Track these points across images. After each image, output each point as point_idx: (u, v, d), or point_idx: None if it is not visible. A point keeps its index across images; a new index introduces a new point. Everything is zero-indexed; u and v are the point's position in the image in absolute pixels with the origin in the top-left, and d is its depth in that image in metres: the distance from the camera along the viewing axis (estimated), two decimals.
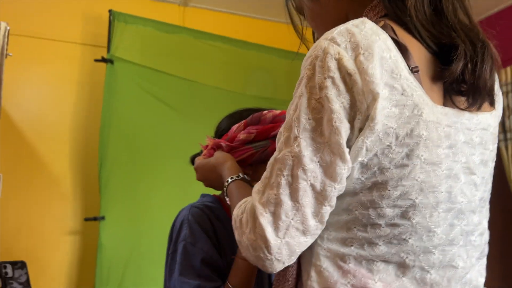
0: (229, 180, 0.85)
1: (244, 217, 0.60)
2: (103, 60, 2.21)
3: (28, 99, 2.38)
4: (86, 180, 2.39)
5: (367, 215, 0.57)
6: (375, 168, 0.56)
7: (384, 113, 0.54)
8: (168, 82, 2.34)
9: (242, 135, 0.97)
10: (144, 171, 2.21)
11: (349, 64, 0.54)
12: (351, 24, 0.57)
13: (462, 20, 0.64)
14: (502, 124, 2.78)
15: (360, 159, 0.55)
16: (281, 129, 0.59)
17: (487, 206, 0.70)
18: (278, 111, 1.02)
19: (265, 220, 0.56)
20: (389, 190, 0.56)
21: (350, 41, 0.55)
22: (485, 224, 0.69)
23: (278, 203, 0.55)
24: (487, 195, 0.69)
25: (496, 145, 0.70)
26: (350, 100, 0.54)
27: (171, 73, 2.35)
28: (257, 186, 0.60)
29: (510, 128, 2.72)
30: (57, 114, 2.42)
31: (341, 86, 0.54)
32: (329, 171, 0.55)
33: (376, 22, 0.59)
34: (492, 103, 0.65)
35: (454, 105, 0.60)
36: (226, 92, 2.54)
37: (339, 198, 0.57)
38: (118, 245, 2.08)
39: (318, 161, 0.55)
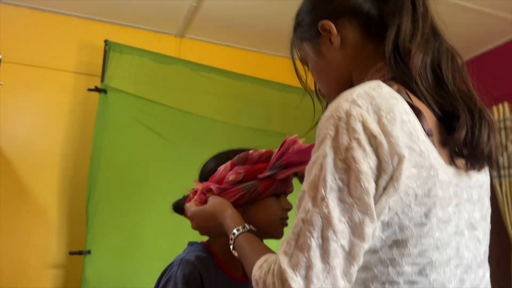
0: (236, 232, 0.81)
1: (270, 279, 0.58)
2: (97, 89, 2.19)
3: (18, 127, 2.34)
4: (73, 212, 2.32)
5: (386, 272, 0.58)
6: (396, 227, 0.58)
7: (407, 173, 0.57)
8: (162, 113, 2.32)
9: (231, 176, 0.96)
10: (134, 204, 2.15)
11: (373, 126, 0.56)
12: (368, 87, 0.60)
13: (461, 89, 0.69)
14: (496, 161, 2.77)
15: (382, 217, 0.57)
16: (305, 189, 0.59)
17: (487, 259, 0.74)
18: (263, 150, 1.01)
19: (296, 284, 0.54)
20: (409, 248, 0.58)
21: (371, 103, 0.58)
22: (487, 276, 0.73)
23: (309, 266, 0.54)
24: (488, 248, 0.74)
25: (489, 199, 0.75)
26: (376, 161, 0.56)
27: (166, 104, 2.33)
28: (283, 247, 0.59)
29: (503, 165, 2.71)
30: (47, 143, 2.38)
31: (367, 148, 0.56)
32: (357, 231, 0.55)
33: (390, 86, 0.62)
34: (490, 165, 0.70)
35: (456, 165, 0.65)
36: (220, 124, 2.52)
37: None
38: (103, 281, 1.99)
39: (347, 222, 0.55)
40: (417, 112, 0.62)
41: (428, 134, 0.61)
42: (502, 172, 2.72)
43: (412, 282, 0.58)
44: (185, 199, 1.03)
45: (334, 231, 0.54)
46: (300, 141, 0.98)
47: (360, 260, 0.56)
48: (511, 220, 2.65)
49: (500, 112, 2.77)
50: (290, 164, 0.96)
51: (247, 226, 0.83)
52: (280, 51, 3.09)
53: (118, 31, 2.66)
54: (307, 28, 0.78)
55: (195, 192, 1.01)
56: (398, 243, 0.58)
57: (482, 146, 0.65)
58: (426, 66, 0.66)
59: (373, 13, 0.72)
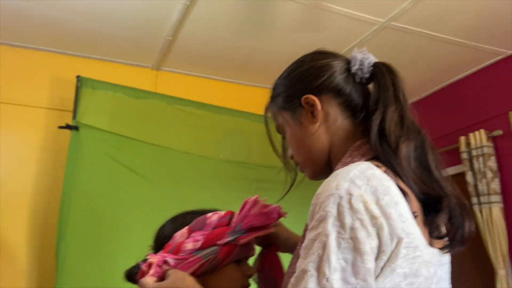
0: None
1: None
2: (68, 127, 2.12)
3: None
4: (44, 254, 2.21)
5: None
6: None
7: (401, 255, 0.59)
8: (137, 149, 2.26)
9: (188, 244, 0.88)
10: (107, 244, 2.05)
11: (374, 207, 0.59)
12: (361, 168, 0.63)
13: (443, 176, 0.72)
14: (475, 187, 2.79)
15: None
16: (306, 267, 0.58)
17: None
18: (223, 212, 0.95)
19: None
20: None
21: (368, 184, 0.61)
22: None
23: None
24: None
25: None
26: (378, 243, 0.58)
27: (141, 139, 2.27)
28: None
29: (482, 192, 2.72)
30: (17, 181, 2.29)
31: (370, 229, 0.58)
32: None
33: (377, 166, 0.66)
34: (464, 247, 0.71)
35: (434, 245, 0.67)
36: (198, 158, 2.47)
37: None
38: None
39: None
40: (404, 194, 0.64)
41: (414, 215, 0.64)
42: (482, 199, 2.72)
43: None
44: (139, 267, 0.93)
45: None
46: (262, 202, 0.92)
47: None
48: (492, 247, 2.63)
49: (477, 139, 2.80)
50: (252, 228, 0.91)
51: None
52: (258, 81, 3.09)
53: (92, 65, 2.62)
54: (289, 99, 0.82)
55: (148, 264, 0.91)
56: None
57: (463, 229, 0.68)
58: (410, 152, 0.70)
59: (354, 96, 0.78)
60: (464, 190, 3.00)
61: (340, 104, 0.78)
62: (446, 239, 0.69)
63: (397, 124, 0.71)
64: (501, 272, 2.59)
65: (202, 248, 0.88)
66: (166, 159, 2.32)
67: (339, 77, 0.79)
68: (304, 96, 0.79)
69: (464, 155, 2.88)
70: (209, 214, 0.93)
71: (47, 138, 2.38)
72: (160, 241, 0.98)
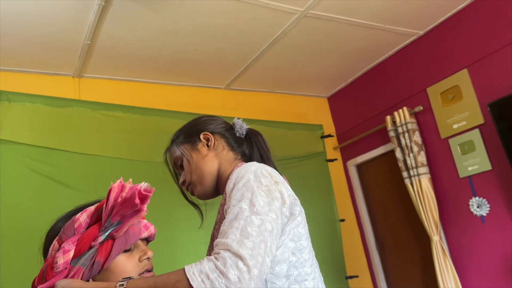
0: (123, 283, 0.80)
1: (222, 260, 0.80)
2: None
3: None
4: None
5: None
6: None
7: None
8: (64, 160, 2.14)
9: (59, 259, 0.82)
10: (41, 262, 1.92)
11: (275, 176, 1.00)
12: (258, 163, 1.04)
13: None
14: (404, 162, 2.95)
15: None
16: (241, 205, 0.89)
17: None
18: (92, 208, 0.90)
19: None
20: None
21: (268, 168, 1.01)
22: None
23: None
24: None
25: None
26: (280, 195, 0.96)
27: (67, 149, 2.15)
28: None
29: (411, 165, 2.89)
30: None
31: (276, 187, 0.96)
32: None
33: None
34: None
35: None
36: (131, 162, 2.39)
37: None
38: None
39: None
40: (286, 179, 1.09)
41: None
42: (411, 172, 2.88)
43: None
44: None
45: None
46: (128, 184, 0.87)
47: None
48: (425, 216, 2.80)
49: (401, 117, 2.96)
50: (124, 218, 0.86)
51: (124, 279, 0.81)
52: (186, 80, 3.06)
53: (6, 78, 2.44)
54: (190, 136, 1.16)
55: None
56: None
57: None
58: (272, 163, 1.16)
59: (233, 140, 1.18)
60: (395, 166, 3.17)
61: (225, 142, 1.16)
62: None
63: (266, 155, 1.18)
64: (435, 238, 2.76)
65: (76, 256, 0.83)
66: (96, 167, 2.22)
67: (225, 128, 1.19)
68: (203, 132, 1.15)
69: (392, 133, 3.04)
70: (77, 216, 0.88)
71: None
72: (44, 252, 0.94)
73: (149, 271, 0.93)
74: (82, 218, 0.87)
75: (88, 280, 0.85)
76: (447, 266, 2.70)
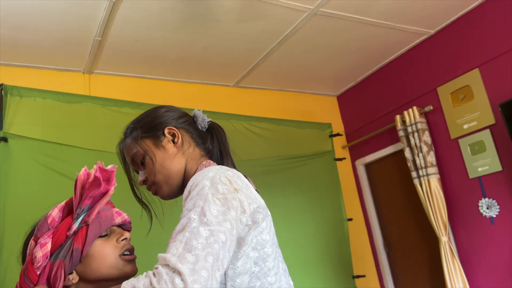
0: None
1: (160, 276, 0.74)
2: None
3: None
4: None
5: None
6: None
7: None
8: (74, 155, 2.16)
9: (37, 253, 0.83)
10: None
11: (235, 183, 0.91)
12: (218, 166, 0.95)
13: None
14: (413, 162, 2.93)
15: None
16: (190, 215, 0.81)
17: None
18: (63, 203, 0.91)
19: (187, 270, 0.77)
20: None
21: (228, 172, 0.91)
22: None
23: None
24: None
25: None
26: (239, 203, 0.88)
27: (77, 145, 2.17)
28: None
29: (420, 165, 2.86)
30: None
31: (234, 194, 0.88)
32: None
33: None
34: None
35: None
36: None
37: None
38: None
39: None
40: (249, 180, 1.03)
41: (257, 191, 1.00)
42: (420, 172, 2.86)
43: None
44: None
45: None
46: (94, 170, 0.89)
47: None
48: (434, 216, 2.78)
49: (411, 116, 2.94)
50: (94, 201, 0.88)
51: None
52: (195, 78, 3.06)
53: (18, 74, 2.47)
54: (151, 129, 1.05)
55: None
56: None
57: None
58: (231, 162, 1.12)
59: (197, 135, 1.09)
60: (404, 166, 3.15)
61: (190, 137, 1.08)
62: None
63: (225, 153, 1.12)
64: (443, 239, 2.74)
65: (54, 249, 0.84)
66: (105, 163, 2.23)
67: (188, 122, 1.10)
68: (167, 127, 1.05)
69: (401, 133, 3.02)
70: (48, 212, 0.89)
71: None
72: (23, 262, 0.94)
73: (129, 251, 0.93)
74: (54, 212, 0.89)
75: (71, 272, 0.86)
76: (455, 267, 2.68)
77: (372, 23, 2.63)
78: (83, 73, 2.70)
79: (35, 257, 0.83)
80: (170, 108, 1.11)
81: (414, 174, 2.92)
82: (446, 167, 2.87)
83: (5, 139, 2.00)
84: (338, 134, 3.50)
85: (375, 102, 3.45)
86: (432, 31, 2.89)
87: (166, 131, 1.04)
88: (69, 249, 0.83)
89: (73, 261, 0.84)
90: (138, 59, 2.67)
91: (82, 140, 2.20)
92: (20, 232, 1.90)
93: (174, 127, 1.05)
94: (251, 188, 0.94)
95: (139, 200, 1.10)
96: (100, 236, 0.90)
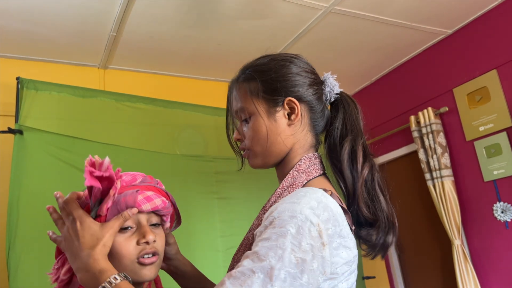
0: (118, 278, 0.72)
1: None
2: (10, 131, 2.01)
3: None
4: None
5: None
6: None
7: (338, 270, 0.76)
8: (89, 149, 2.17)
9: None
10: None
11: (325, 236, 0.71)
12: (317, 197, 0.75)
13: (384, 195, 0.87)
14: (427, 163, 2.89)
15: None
16: (256, 270, 0.66)
17: None
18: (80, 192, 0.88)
19: None
20: None
21: (323, 214, 0.72)
22: None
23: None
24: None
25: None
26: (321, 263, 0.71)
27: (91, 139, 2.18)
28: None
29: (434, 167, 2.82)
30: None
31: (317, 253, 0.70)
32: None
33: (324, 188, 0.79)
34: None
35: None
36: (153, 154, 2.41)
37: None
38: None
39: None
40: (345, 212, 0.80)
41: (352, 229, 0.80)
42: (434, 174, 2.82)
43: None
44: None
45: None
46: (97, 158, 0.84)
47: None
48: (447, 219, 2.74)
49: (425, 117, 2.90)
50: (103, 191, 0.82)
51: (121, 275, 0.74)
52: (209, 74, 3.07)
53: (34, 68, 2.51)
54: (271, 93, 0.87)
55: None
56: None
57: (386, 245, 0.86)
58: (368, 175, 0.86)
59: (320, 115, 0.90)
60: (418, 167, 3.11)
61: (309, 118, 0.89)
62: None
63: (363, 152, 0.86)
64: (456, 242, 2.70)
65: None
66: (118, 158, 2.25)
67: (317, 95, 0.89)
68: (289, 98, 0.86)
69: (415, 134, 2.98)
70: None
71: None
72: None
73: (151, 254, 0.84)
74: (83, 194, 0.87)
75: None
76: (468, 271, 2.64)
77: (388, 22, 2.60)
78: (98, 68, 2.73)
79: (61, 273, 0.84)
80: (303, 68, 0.91)
81: (427, 176, 2.88)
82: (461, 170, 2.83)
83: (20, 132, 2.02)
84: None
85: (389, 102, 3.41)
86: (450, 31, 2.84)
87: (286, 101, 0.87)
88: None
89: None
90: (152, 55, 2.69)
91: (96, 134, 2.22)
92: (33, 223, 1.93)
93: (298, 98, 0.87)
94: (345, 230, 0.77)
95: (234, 149, 0.97)
96: (123, 229, 0.83)
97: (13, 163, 1.96)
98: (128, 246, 0.82)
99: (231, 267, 0.83)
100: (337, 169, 0.86)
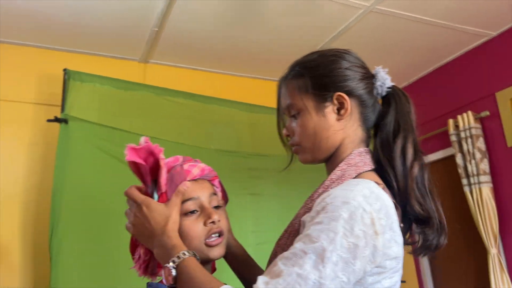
0: (186, 254, 0.77)
1: None
2: (56, 120, 2.10)
3: None
4: (37, 250, 2.20)
5: None
6: None
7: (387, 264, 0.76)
8: (128, 141, 2.21)
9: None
10: (100, 238, 2.04)
11: (378, 225, 0.71)
12: (370, 186, 0.75)
13: (433, 193, 0.87)
14: (465, 169, 2.82)
15: None
16: (307, 251, 0.67)
17: None
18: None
19: None
20: None
21: (376, 204, 0.73)
22: None
23: None
24: None
25: None
26: (372, 251, 0.70)
27: (131, 131, 2.25)
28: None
29: (472, 173, 2.75)
30: (7, 178, 2.27)
31: (369, 240, 0.70)
32: None
33: (377, 182, 0.79)
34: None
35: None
36: (188, 147, 2.46)
37: None
38: None
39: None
40: (396, 208, 0.79)
41: (400, 227, 0.79)
42: (471, 180, 2.75)
43: None
44: None
45: None
46: (129, 152, 0.87)
47: None
48: (484, 227, 2.67)
49: (465, 121, 2.82)
50: (152, 168, 0.86)
51: (188, 252, 0.78)
52: (245, 71, 3.09)
53: (78, 59, 2.60)
54: (320, 88, 0.87)
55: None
56: None
57: (438, 243, 0.86)
58: (419, 173, 0.85)
59: (371, 110, 0.90)
60: (454, 172, 3.04)
61: (360, 112, 0.88)
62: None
63: (413, 149, 0.85)
64: (493, 251, 2.62)
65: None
66: None
67: (368, 89, 0.89)
68: (338, 93, 0.86)
69: (453, 138, 2.91)
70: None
71: (36, 133, 2.37)
72: None
73: (218, 234, 0.89)
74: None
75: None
76: (503, 281, 2.56)
77: (430, 23, 2.55)
78: (139, 62, 2.80)
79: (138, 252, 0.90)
80: (353, 62, 0.91)
81: (464, 181, 2.81)
82: (500, 176, 2.74)
83: (65, 121, 2.11)
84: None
85: (427, 104, 3.34)
86: (494, 33, 2.76)
87: (335, 96, 0.86)
88: None
89: None
90: (191, 51, 2.74)
91: (135, 126, 2.29)
92: (75, 209, 2.01)
93: (348, 92, 0.86)
94: (396, 225, 0.76)
95: (285, 145, 0.97)
96: (190, 213, 0.88)
97: (58, 151, 2.06)
98: (196, 228, 0.87)
99: (274, 253, 0.85)
100: (389, 164, 0.85)
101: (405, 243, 0.86)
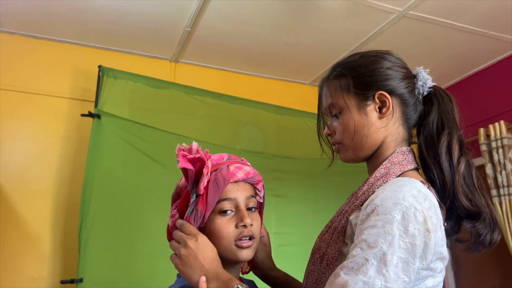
0: (239, 287, 0.77)
1: None
2: (90, 115, 2.17)
3: (11, 154, 2.32)
4: (67, 239, 2.27)
5: None
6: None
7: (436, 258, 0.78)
8: (157, 137, 2.30)
9: (169, 222, 0.93)
10: (127, 230, 2.10)
11: (429, 223, 0.73)
12: (417, 186, 0.76)
13: (482, 189, 0.86)
14: (494, 179, 2.75)
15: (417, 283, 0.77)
16: (368, 257, 0.68)
17: None
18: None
19: None
20: None
21: (425, 203, 0.74)
22: None
23: None
24: None
25: None
26: (423, 250, 0.72)
27: (160, 128, 2.31)
28: None
29: (503, 184, 2.68)
30: (40, 170, 2.35)
31: (423, 239, 0.72)
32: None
33: (422, 182, 0.80)
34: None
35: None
36: (215, 147, 2.50)
37: None
38: None
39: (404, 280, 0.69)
40: (441, 207, 0.80)
41: (444, 226, 0.81)
42: (501, 191, 2.68)
43: None
44: None
45: None
46: (185, 145, 0.90)
47: None
48: None
49: (496, 131, 2.76)
50: (197, 172, 0.87)
51: (242, 285, 0.78)
52: (274, 73, 3.11)
53: (112, 57, 2.68)
54: (362, 87, 0.89)
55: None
56: None
57: (491, 238, 0.85)
58: (465, 170, 0.85)
59: (412, 108, 0.91)
60: (484, 182, 2.96)
61: (401, 111, 0.90)
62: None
63: (459, 146, 0.86)
64: None
65: (182, 214, 0.91)
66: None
67: (409, 88, 0.90)
68: (379, 92, 0.88)
69: (484, 147, 2.84)
70: (179, 182, 0.96)
71: (70, 127, 2.45)
72: None
73: (248, 238, 0.89)
74: (181, 183, 0.96)
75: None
76: None
77: (465, 30, 2.50)
78: (170, 61, 2.86)
79: (168, 226, 0.94)
80: (394, 63, 0.91)
81: (494, 192, 2.74)
82: None
83: (98, 116, 2.18)
84: (414, 142, 3.37)
85: (458, 112, 3.27)
86: None
87: (377, 95, 0.88)
88: (193, 208, 0.88)
89: (196, 221, 0.88)
90: (222, 52, 2.77)
91: (165, 124, 2.34)
92: (104, 201, 2.07)
93: (390, 91, 0.88)
94: (441, 224, 0.78)
95: (326, 144, 0.98)
96: (223, 212, 0.89)
97: (90, 145, 2.12)
98: (228, 228, 0.88)
99: (318, 247, 0.86)
100: (435, 161, 0.85)
101: (456, 240, 0.88)
